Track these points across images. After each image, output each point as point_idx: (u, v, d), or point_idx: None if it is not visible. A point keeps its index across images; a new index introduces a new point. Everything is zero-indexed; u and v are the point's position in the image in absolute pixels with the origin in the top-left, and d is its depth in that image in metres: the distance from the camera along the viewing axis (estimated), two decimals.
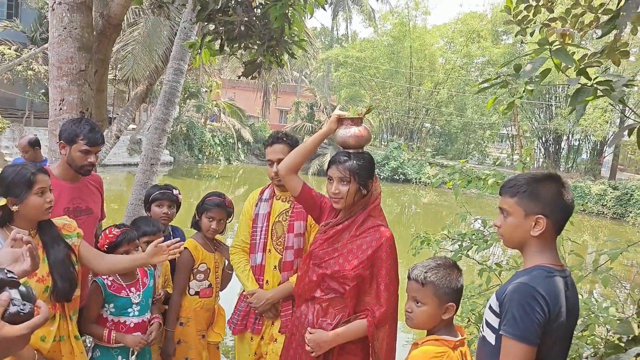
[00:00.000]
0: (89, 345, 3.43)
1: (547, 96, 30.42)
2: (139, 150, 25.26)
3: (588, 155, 30.77)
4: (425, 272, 1.99)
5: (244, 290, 3.02)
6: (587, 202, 23.28)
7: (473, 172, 3.30)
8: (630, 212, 23.08)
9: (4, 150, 19.21)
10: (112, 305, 2.70)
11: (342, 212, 2.47)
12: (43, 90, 21.25)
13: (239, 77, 5.10)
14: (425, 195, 27.97)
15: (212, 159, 30.39)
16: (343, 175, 2.36)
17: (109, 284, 2.71)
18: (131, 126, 23.56)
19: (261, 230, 2.96)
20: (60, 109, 3.60)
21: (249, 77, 4.87)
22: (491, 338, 1.80)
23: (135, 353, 2.73)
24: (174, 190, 3.39)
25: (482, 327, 1.89)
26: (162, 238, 2.63)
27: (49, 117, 3.80)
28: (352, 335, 2.34)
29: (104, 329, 2.66)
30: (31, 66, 19.72)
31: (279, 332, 2.84)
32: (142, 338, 2.70)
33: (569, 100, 2.31)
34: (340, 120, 2.46)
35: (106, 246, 2.70)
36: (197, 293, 3.13)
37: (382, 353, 2.35)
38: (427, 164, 30.51)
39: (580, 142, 30.73)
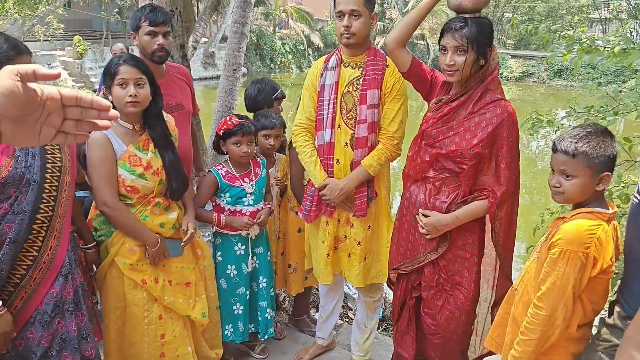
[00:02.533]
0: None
1: None
2: (213, 64, 25.46)
3: None
4: (576, 142, 1.79)
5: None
6: None
7: (595, 40, 2.92)
8: None
9: (88, 72, 20.01)
10: (227, 194, 2.78)
11: (455, 87, 2.29)
12: (117, 10, 21.56)
13: None
14: (507, 90, 26.39)
15: (284, 67, 30.13)
16: (460, 43, 2.14)
17: (224, 174, 2.78)
18: (203, 39, 23.62)
19: (329, 104, 2.64)
20: None
21: None
22: None
23: (252, 237, 2.84)
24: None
25: (637, 194, 1.71)
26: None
27: None
28: (471, 216, 2.26)
29: (214, 213, 2.78)
30: None
31: (354, 215, 2.69)
32: (250, 219, 2.77)
33: None
34: None
35: (222, 131, 2.73)
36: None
37: (502, 233, 2.27)
38: (510, 56, 28.62)
39: None
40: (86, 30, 22.84)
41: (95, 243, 2.36)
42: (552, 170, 1.90)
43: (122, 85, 2.20)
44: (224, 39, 25.43)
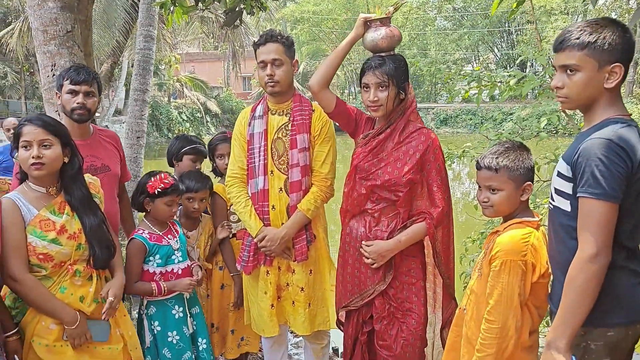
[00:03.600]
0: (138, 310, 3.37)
1: (506, 24, 30.50)
2: None
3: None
4: (497, 157, 1.95)
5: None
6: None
7: (490, 77, 3.22)
8: None
9: None
10: (157, 256, 2.61)
11: (379, 121, 2.42)
12: None
13: (222, 27, 4.96)
14: None
15: None
16: (381, 80, 2.28)
17: (148, 236, 2.62)
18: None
19: (259, 151, 2.65)
20: (53, 74, 3.43)
21: (230, 27, 4.72)
22: (565, 205, 1.73)
23: (186, 297, 2.69)
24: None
25: (552, 198, 1.83)
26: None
27: (42, 86, 3.64)
28: (412, 239, 2.34)
29: (152, 283, 2.59)
30: None
31: (295, 261, 2.67)
32: (191, 280, 2.64)
33: None
34: (367, 23, 2.36)
35: (157, 190, 2.57)
36: (234, 235, 3.06)
37: (442, 252, 2.36)
38: None
39: (544, 66, 31.04)
40: None
41: (17, 329, 2.07)
42: (479, 187, 2.03)
43: (25, 147, 2.06)
44: (117, 112, 24.81)
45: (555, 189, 1.79)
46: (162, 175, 2.62)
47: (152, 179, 2.61)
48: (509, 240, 1.89)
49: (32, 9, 3.41)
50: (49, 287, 2.08)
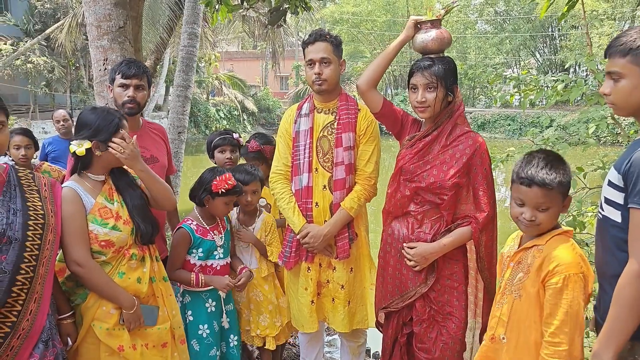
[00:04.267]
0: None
1: (549, 29, 29.83)
2: None
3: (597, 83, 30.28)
4: (549, 173, 1.80)
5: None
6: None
7: (537, 81, 3.16)
8: None
9: None
10: (200, 250, 2.67)
11: (426, 124, 2.41)
12: (44, 83, 21.07)
13: (266, 26, 5.02)
14: None
15: None
16: (429, 81, 2.26)
17: (195, 228, 2.68)
18: None
19: (304, 148, 2.69)
20: (105, 69, 3.54)
21: (275, 26, 4.77)
22: (616, 215, 1.66)
23: (224, 295, 2.73)
24: (234, 134, 3.32)
25: (601, 207, 1.76)
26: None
27: (93, 80, 3.76)
28: (456, 243, 2.32)
29: (191, 274, 2.65)
30: (29, 59, 19.48)
31: (337, 258, 2.69)
32: (230, 281, 2.68)
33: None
34: (417, 25, 2.36)
35: (222, 190, 2.60)
36: None
37: (486, 257, 2.33)
38: None
39: (587, 71, 30.23)
40: (11, 105, 22.04)
41: (72, 312, 2.15)
42: (522, 204, 1.86)
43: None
44: (157, 107, 25.31)
45: (606, 198, 1.73)
46: (227, 175, 2.64)
47: (218, 178, 2.62)
48: (566, 253, 1.79)
49: (87, 4, 3.53)
50: (107, 272, 2.17)
